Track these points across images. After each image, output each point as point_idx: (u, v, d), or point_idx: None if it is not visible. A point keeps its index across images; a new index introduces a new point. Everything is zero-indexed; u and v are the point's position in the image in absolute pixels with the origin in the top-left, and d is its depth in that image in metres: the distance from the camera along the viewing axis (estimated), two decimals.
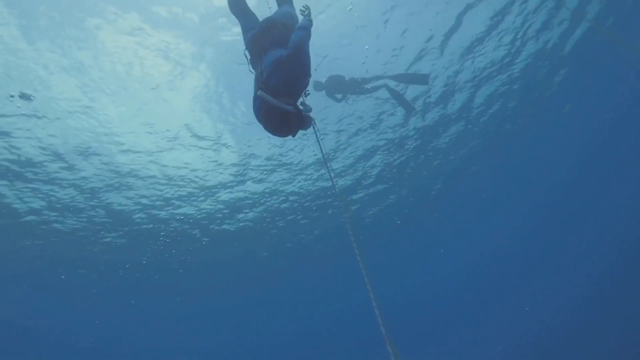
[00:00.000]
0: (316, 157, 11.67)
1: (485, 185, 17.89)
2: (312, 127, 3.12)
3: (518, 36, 9.55)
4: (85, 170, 10.39)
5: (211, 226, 14.51)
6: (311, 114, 2.93)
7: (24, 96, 7.71)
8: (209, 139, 10.19)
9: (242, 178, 12.09)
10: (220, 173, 11.67)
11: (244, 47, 3.46)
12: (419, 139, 12.59)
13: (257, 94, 2.58)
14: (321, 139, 3.38)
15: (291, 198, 13.98)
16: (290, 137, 2.75)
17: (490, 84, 11.11)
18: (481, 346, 30.57)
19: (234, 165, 11.38)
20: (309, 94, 3.08)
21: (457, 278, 32.69)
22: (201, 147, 10.40)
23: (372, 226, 17.91)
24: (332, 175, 2.95)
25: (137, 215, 12.90)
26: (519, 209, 23.06)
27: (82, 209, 12.05)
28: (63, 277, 15.60)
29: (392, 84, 9.40)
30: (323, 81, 8.38)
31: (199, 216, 13.69)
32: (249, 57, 3.32)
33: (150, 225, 13.50)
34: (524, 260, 30.24)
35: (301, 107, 2.75)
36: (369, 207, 16.22)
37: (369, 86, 8.71)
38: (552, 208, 23.77)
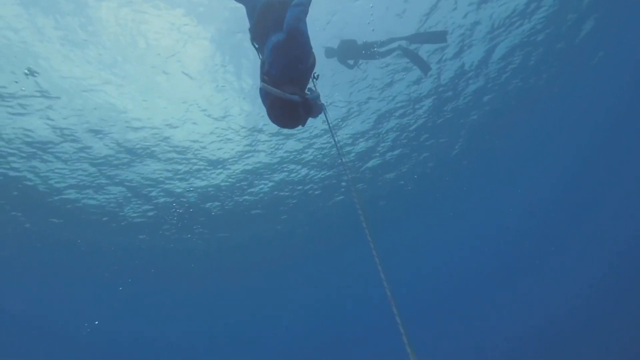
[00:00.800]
0: (324, 124, 11.41)
1: (507, 149, 16.97)
2: (323, 113, 2.88)
3: None
4: (101, 149, 10.60)
5: (227, 199, 14.73)
6: (320, 100, 2.68)
7: (31, 72, 7.71)
8: (218, 113, 10.10)
9: (255, 149, 12.03)
10: (232, 149, 11.68)
11: (248, 30, 3.15)
12: (436, 99, 12.05)
13: (260, 86, 2.42)
14: (332, 124, 3.13)
15: (304, 170, 13.90)
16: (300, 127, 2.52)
17: (514, 36, 10.33)
18: (491, 334, 29.72)
19: (246, 137, 11.32)
20: (317, 76, 2.83)
21: (479, 256, 29.55)
22: (212, 121, 10.34)
23: (387, 196, 17.57)
24: (342, 156, 2.79)
25: (154, 192, 13.21)
26: (545, 175, 20.68)
27: (104, 186, 12.42)
28: (82, 247, 16.28)
29: (406, 45, 8.86)
30: (335, 47, 7.98)
31: (213, 190, 13.88)
32: (256, 45, 3.06)
33: (170, 199, 13.83)
34: (541, 240, 28.30)
35: (308, 94, 2.51)
36: (385, 174, 15.93)
37: (383, 49, 8.22)
38: (583, 171, 20.90)
